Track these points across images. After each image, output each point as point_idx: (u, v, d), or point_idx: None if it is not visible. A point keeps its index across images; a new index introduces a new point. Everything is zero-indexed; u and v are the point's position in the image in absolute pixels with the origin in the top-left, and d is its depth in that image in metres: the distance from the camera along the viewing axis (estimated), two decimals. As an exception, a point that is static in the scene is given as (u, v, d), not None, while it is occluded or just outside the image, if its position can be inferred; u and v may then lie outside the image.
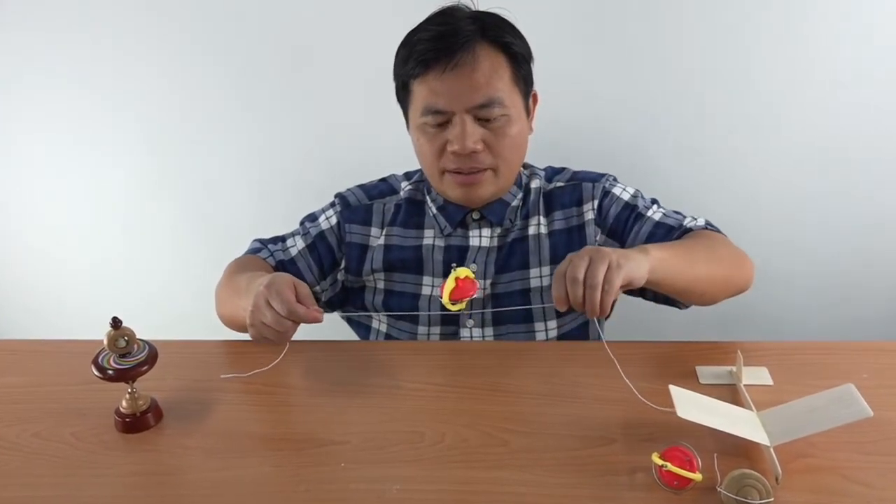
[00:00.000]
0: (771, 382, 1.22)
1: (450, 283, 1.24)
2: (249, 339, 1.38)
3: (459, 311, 1.27)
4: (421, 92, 1.41)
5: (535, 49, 1.46)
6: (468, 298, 1.25)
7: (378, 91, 1.70)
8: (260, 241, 1.61)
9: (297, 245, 1.58)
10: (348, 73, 2.04)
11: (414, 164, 1.57)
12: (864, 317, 2.22)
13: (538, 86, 1.50)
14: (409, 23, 1.44)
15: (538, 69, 1.48)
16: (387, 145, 1.98)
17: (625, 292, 1.48)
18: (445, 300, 1.24)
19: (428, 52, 1.38)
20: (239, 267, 1.49)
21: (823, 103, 1.97)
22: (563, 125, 2.00)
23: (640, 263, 1.20)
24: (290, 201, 1.90)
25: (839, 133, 2.00)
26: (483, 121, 1.40)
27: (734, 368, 1.23)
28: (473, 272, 1.29)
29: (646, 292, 1.52)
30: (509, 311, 1.51)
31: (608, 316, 1.61)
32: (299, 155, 2.18)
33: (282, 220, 1.69)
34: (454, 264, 1.38)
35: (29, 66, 2.13)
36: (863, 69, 1.92)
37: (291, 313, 1.19)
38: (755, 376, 1.23)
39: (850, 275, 2.18)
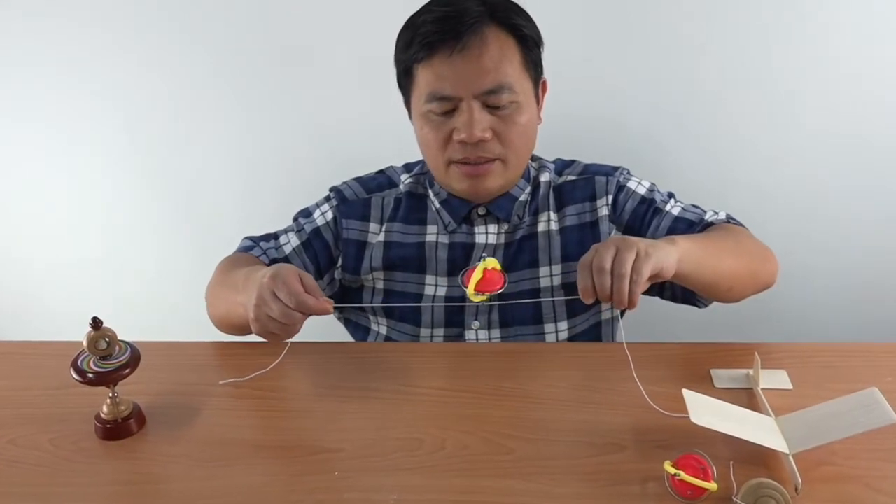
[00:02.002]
0: (790, 386, 1.21)
1: (478, 274, 1.23)
2: (239, 339, 1.39)
3: (480, 302, 1.26)
4: (425, 77, 1.40)
5: (543, 35, 1.46)
6: (495, 292, 1.24)
7: (375, 77, 1.69)
8: (251, 238, 1.60)
9: (291, 242, 1.58)
10: (342, 60, 2.03)
11: (413, 155, 1.57)
12: (888, 317, 2.22)
13: (547, 74, 1.50)
14: (408, 5, 1.44)
15: (546, 56, 1.47)
16: (384, 136, 1.97)
17: (645, 291, 1.48)
18: (470, 291, 1.23)
19: (433, 34, 1.37)
20: (232, 265, 1.49)
21: (845, 93, 1.96)
22: (572, 115, 1.99)
23: (669, 253, 1.19)
24: (282, 196, 1.89)
25: (862, 124, 2.00)
26: (492, 108, 1.39)
27: (751, 371, 1.23)
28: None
29: (664, 291, 1.52)
30: (521, 303, 1.50)
31: (624, 311, 1.61)
32: (291, 147, 2.18)
33: (272, 217, 1.68)
34: (484, 254, 1.38)
35: (4, 54, 2.13)
36: (885, 58, 1.92)
37: (300, 305, 1.18)
38: (773, 380, 1.22)
39: (873, 272, 2.17)
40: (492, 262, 1.24)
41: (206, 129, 2.18)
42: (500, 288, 1.24)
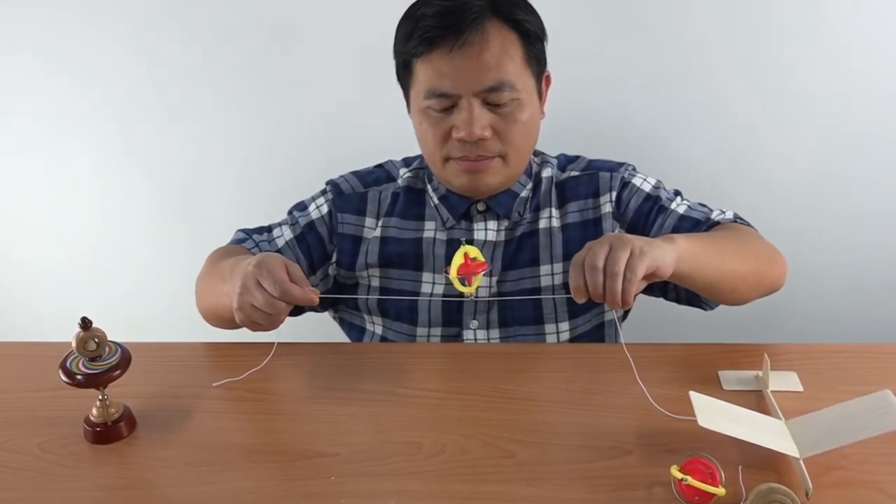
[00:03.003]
0: (801, 388, 1.22)
1: (458, 258, 1.23)
2: (232, 340, 1.38)
3: (470, 295, 1.26)
4: (425, 73, 1.40)
5: (548, 27, 1.45)
6: (477, 277, 1.24)
7: (373, 69, 1.69)
8: (244, 231, 1.61)
9: (284, 236, 1.58)
10: (340, 49, 2.03)
11: (413, 150, 1.56)
12: (901, 317, 2.22)
13: (550, 66, 1.50)
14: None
15: (550, 49, 1.47)
16: (383, 129, 1.97)
17: (646, 292, 1.48)
18: (453, 275, 1.24)
19: (433, 29, 1.36)
20: (222, 256, 1.49)
21: (856, 85, 1.96)
22: (576, 110, 2.00)
23: (666, 251, 1.19)
24: (277, 191, 1.89)
25: (874, 119, 2.00)
26: (492, 105, 1.39)
27: (760, 373, 1.23)
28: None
29: (668, 292, 1.52)
30: (520, 301, 1.50)
31: (627, 312, 1.61)
32: (287, 140, 2.17)
33: (267, 212, 1.68)
34: (463, 239, 1.37)
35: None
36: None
37: (284, 294, 1.18)
38: (783, 382, 1.22)
39: (886, 271, 2.17)
40: (473, 251, 1.24)
41: (198, 123, 2.17)
42: (485, 270, 1.25)
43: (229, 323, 1.38)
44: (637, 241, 1.16)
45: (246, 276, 1.21)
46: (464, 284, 1.25)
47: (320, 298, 1.23)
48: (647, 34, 1.95)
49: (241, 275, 1.21)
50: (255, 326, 1.24)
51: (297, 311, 1.49)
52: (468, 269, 1.24)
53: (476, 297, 1.50)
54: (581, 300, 1.16)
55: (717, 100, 2.01)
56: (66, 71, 2.13)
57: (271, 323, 1.23)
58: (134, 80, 2.13)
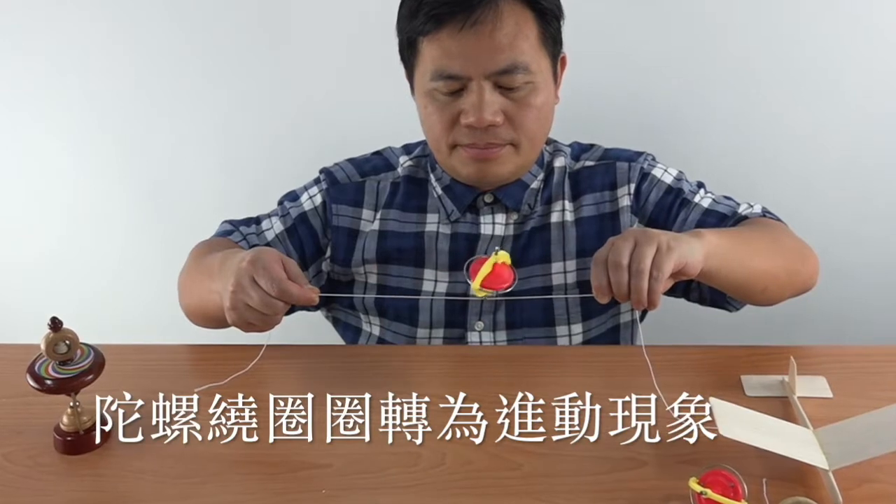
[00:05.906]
0: (830, 395, 1.22)
1: (487, 268, 1.21)
2: (216, 342, 1.38)
3: (483, 297, 1.26)
4: (431, 52, 1.39)
5: (564, 4, 1.45)
6: (503, 290, 1.23)
7: (371, 45, 1.69)
8: (231, 222, 1.60)
9: (274, 228, 1.58)
10: (335, 23, 2.03)
11: (414, 136, 1.56)
12: (940, 317, 2.22)
13: (565, 48, 1.49)
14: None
15: (566, 29, 1.46)
16: (381, 112, 1.97)
17: (667, 292, 1.47)
18: (476, 286, 1.22)
19: (442, 5, 1.35)
20: (207, 249, 1.48)
21: (891, 70, 1.95)
22: (592, 94, 1.99)
23: (694, 248, 1.19)
24: (265, 181, 1.89)
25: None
26: (504, 89, 1.39)
27: (786, 378, 1.23)
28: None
29: (690, 292, 1.52)
30: (531, 301, 1.50)
31: (645, 313, 1.61)
32: (275, 124, 2.18)
33: (254, 204, 1.68)
34: (497, 247, 1.35)
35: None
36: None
37: (283, 293, 1.18)
38: (811, 387, 1.22)
39: (924, 268, 2.17)
40: (503, 257, 1.23)
41: (178, 109, 2.17)
42: (508, 287, 1.23)
43: (217, 322, 1.37)
44: (663, 235, 1.16)
45: (240, 272, 1.20)
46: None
47: None
48: (667, 14, 1.95)
49: (235, 272, 1.21)
50: (248, 327, 1.24)
51: (289, 309, 1.49)
52: (493, 280, 1.22)
53: (483, 298, 1.49)
54: (604, 300, 1.16)
55: (743, 84, 2.01)
56: (39, 58, 2.13)
57: (266, 323, 1.23)
58: (110, 65, 2.13)
